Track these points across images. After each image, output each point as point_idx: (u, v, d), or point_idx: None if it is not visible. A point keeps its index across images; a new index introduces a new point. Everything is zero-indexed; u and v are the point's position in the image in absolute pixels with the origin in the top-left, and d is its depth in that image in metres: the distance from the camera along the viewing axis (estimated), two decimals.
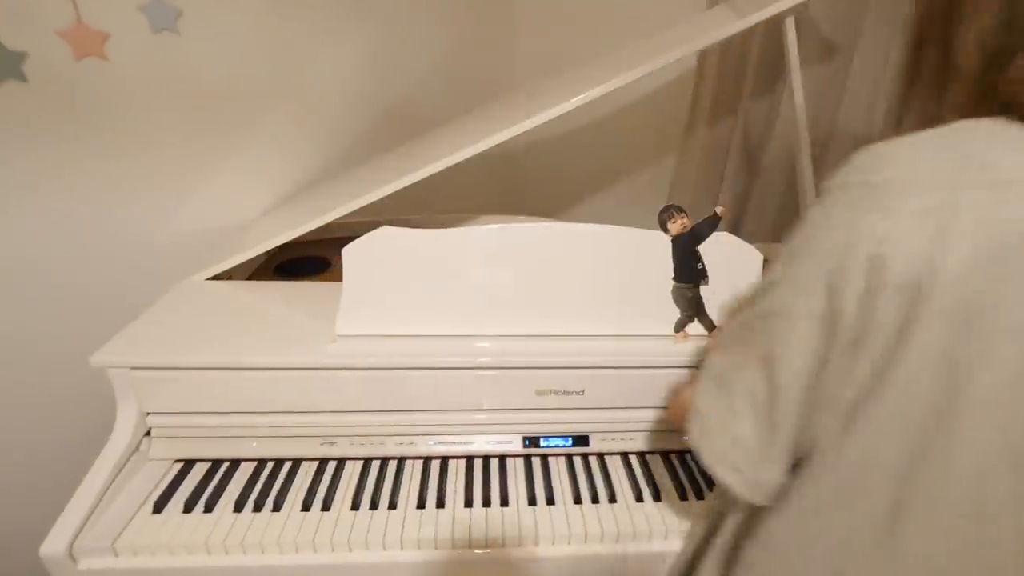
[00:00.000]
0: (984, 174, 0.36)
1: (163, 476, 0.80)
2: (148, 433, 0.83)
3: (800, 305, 0.41)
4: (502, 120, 0.94)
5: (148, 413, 0.82)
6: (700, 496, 0.80)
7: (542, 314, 0.83)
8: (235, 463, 0.83)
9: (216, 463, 0.83)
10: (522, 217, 1.29)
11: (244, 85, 1.16)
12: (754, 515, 0.52)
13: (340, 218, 0.95)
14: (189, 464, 0.83)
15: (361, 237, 0.81)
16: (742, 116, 1.44)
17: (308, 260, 1.23)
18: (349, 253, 0.81)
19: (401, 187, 0.91)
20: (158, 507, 0.75)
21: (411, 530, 0.73)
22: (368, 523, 0.74)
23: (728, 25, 0.90)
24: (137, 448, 0.81)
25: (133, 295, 1.09)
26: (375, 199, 0.93)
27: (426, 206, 1.37)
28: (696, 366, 0.83)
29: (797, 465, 0.47)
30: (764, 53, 1.36)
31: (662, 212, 0.84)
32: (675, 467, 0.85)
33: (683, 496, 0.80)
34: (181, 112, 1.09)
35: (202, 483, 0.80)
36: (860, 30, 1.22)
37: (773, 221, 1.53)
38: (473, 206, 1.48)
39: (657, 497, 0.80)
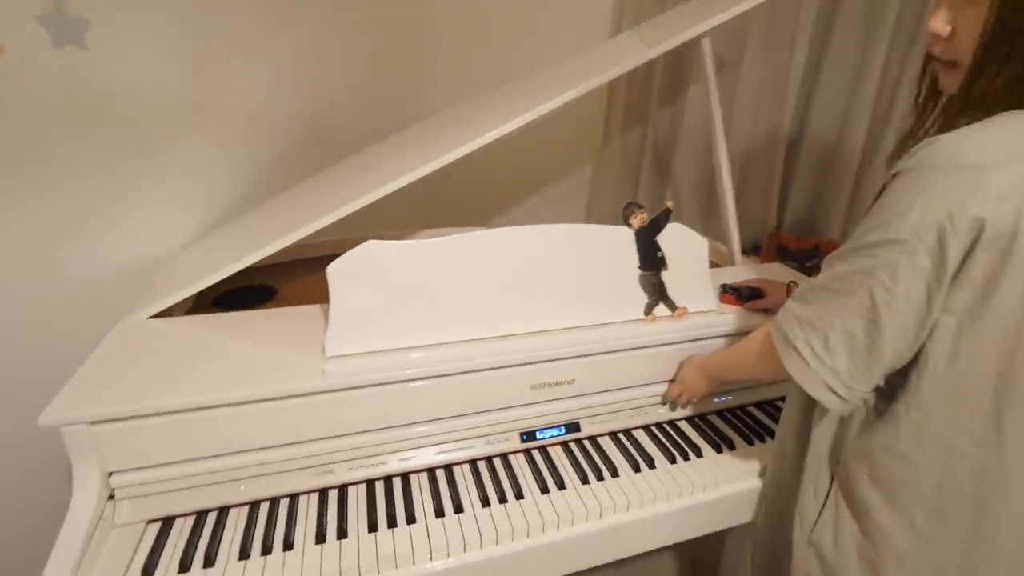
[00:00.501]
0: None
1: (139, 541, 0.71)
2: (111, 496, 0.73)
3: (906, 259, 0.53)
4: (428, 149, 0.97)
5: (111, 473, 0.72)
6: (687, 458, 0.89)
7: (530, 312, 0.87)
8: (223, 510, 0.77)
9: (200, 514, 0.76)
10: (458, 228, 1.33)
11: (159, 105, 1.06)
12: (863, 431, 0.64)
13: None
14: (167, 522, 0.74)
15: (345, 254, 0.80)
16: (651, 126, 1.61)
17: (251, 290, 1.15)
18: (334, 271, 0.79)
19: (342, 215, 0.89)
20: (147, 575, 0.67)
21: (438, 539, 0.73)
22: (392, 541, 0.72)
23: (641, 54, 1.02)
24: (101, 516, 0.71)
25: (54, 343, 0.95)
26: (313, 230, 0.89)
27: (356, 225, 1.35)
28: (663, 344, 0.93)
29: (889, 386, 0.60)
30: (668, 69, 1.54)
31: (625, 208, 0.93)
32: (659, 437, 0.94)
33: (672, 460, 0.89)
34: (89, 135, 0.97)
35: (192, 538, 0.72)
36: (746, 45, 1.43)
37: (681, 217, 1.72)
38: (399, 220, 1.48)
39: (652, 465, 0.88)
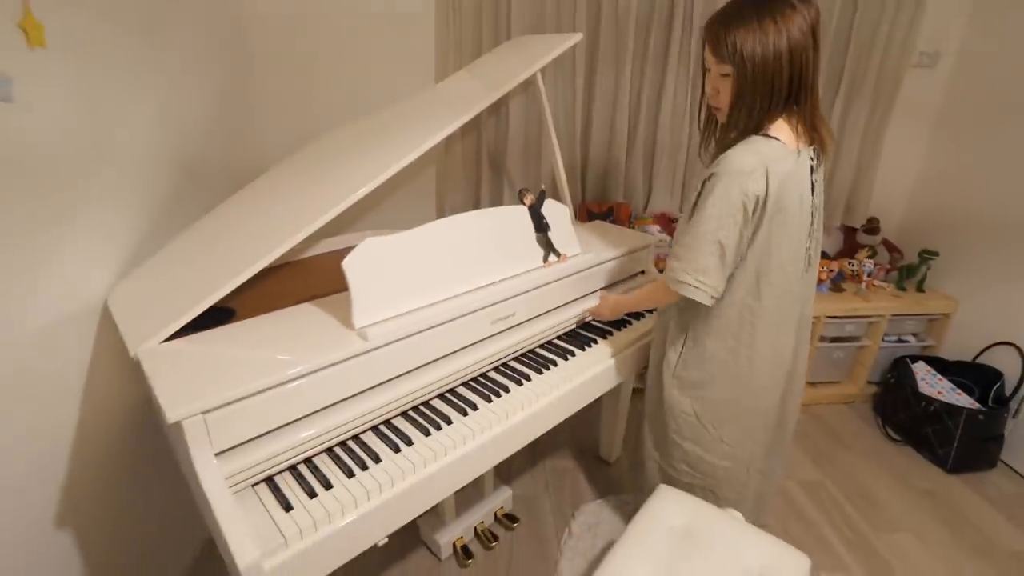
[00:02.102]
0: (772, 157, 1.03)
1: (260, 497, 0.91)
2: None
3: (731, 220, 1.03)
4: (330, 191, 1.20)
5: (218, 453, 0.89)
6: (591, 344, 1.40)
7: (483, 270, 1.26)
8: (308, 460, 0.99)
9: (293, 467, 0.97)
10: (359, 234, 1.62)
11: (64, 154, 1.09)
12: (704, 307, 1.14)
13: None
14: (270, 480, 0.94)
15: (353, 250, 1.07)
16: (485, 133, 2.08)
17: (210, 315, 1.25)
18: (349, 265, 1.06)
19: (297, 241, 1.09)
20: (286, 506, 0.89)
21: (476, 424, 1.09)
22: (446, 436, 1.06)
23: (492, 92, 1.46)
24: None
25: None
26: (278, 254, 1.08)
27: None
28: (559, 279, 1.41)
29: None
30: None
31: (519, 193, 1.37)
32: (573, 337, 1.43)
33: (588, 346, 1.39)
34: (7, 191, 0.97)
35: (299, 482, 0.94)
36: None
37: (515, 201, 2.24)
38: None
39: (572, 354, 1.36)
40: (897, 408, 2.16)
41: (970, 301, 2.22)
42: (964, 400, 2.00)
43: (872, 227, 2.41)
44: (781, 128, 1.06)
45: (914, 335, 2.35)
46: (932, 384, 2.09)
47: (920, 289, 2.33)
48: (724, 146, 1.09)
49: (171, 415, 0.82)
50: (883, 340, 2.28)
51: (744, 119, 1.04)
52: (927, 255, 2.28)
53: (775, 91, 1.01)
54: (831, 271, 2.31)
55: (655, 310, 1.52)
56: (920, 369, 2.14)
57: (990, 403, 1.99)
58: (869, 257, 2.36)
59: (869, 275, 2.31)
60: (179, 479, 1.23)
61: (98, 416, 1.20)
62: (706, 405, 1.25)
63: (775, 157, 1.03)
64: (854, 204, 2.42)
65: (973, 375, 2.10)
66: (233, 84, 1.86)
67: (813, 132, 1.09)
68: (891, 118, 2.31)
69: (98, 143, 1.18)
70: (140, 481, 1.35)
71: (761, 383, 1.22)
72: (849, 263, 2.37)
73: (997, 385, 2.00)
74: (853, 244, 2.48)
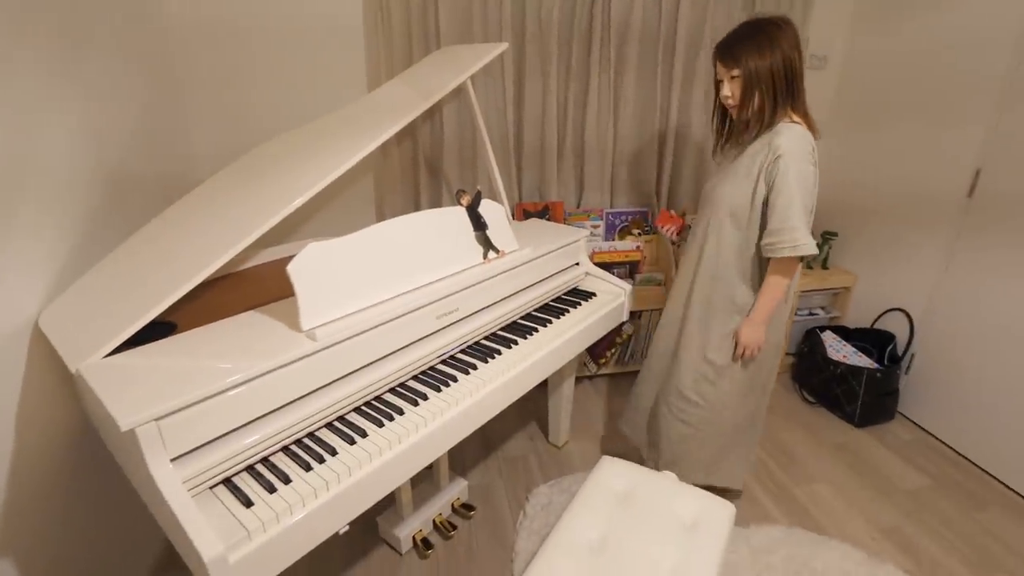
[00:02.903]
0: (808, 135, 1.36)
1: (221, 498, 0.94)
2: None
3: (812, 187, 1.36)
4: (270, 197, 1.24)
5: (174, 459, 0.91)
6: (532, 333, 1.49)
7: (425, 268, 1.32)
8: (265, 460, 1.02)
9: (251, 467, 1.00)
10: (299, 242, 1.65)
11: None
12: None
13: None
14: (228, 482, 0.97)
15: (297, 255, 1.11)
16: (420, 139, 2.13)
17: (150, 328, 1.25)
18: (294, 270, 1.10)
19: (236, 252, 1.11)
20: (247, 503, 0.92)
21: (428, 412, 1.15)
22: (399, 426, 1.12)
23: (424, 100, 1.53)
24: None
25: None
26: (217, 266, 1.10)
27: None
28: (499, 274, 1.49)
29: None
30: None
31: (456, 195, 1.45)
32: (515, 328, 1.51)
33: (530, 334, 1.48)
34: None
35: (257, 480, 0.97)
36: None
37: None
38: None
39: (516, 343, 1.45)
40: (811, 374, 2.40)
41: (867, 274, 2.49)
42: (865, 362, 2.26)
43: None
44: (797, 117, 1.37)
45: (822, 308, 2.61)
46: (838, 350, 2.34)
47: (824, 267, 2.59)
48: (754, 134, 1.39)
49: (123, 423, 0.84)
50: (796, 315, 2.52)
51: (752, 113, 1.37)
52: (828, 236, 2.55)
53: (779, 86, 1.32)
54: None
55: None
56: (828, 338, 2.39)
57: (885, 363, 2.25)
58: None
59: None
60: (127, 494, 1.22)
61: (34, 439, 1.17)
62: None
63: (809, 135, 1.36)
64: None
65: (872, 339, 2.37)
66: (160, 95, 1.83)
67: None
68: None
69: (15, 157, 1.16)
70: (83, 501, 1.32)
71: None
72: None
73: (891, 347, 2.27)
74: None
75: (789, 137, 1.32)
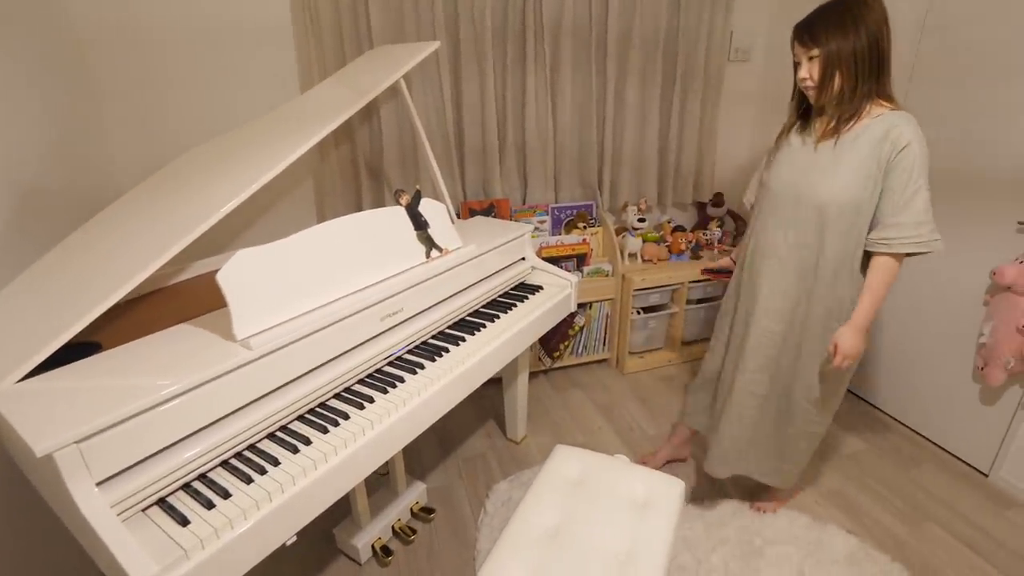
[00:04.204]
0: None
1: (155, 519, 0.89)
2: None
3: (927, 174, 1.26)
4: (199, 203, 1.20)
5: (99, 483, 0.86)
6: (480, 329, 1.49)
7: (364, 271, 1.30)
8: (203, 476, 0.98)
9: (187, 485, 0.96)
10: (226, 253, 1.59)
11: None
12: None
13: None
14: (162, 502, 0.93)
15: (227, 263, 1.07)
16: (359, 141, 2.10)
17: (71, 350, 1.17)
18: (223, 277, 1.06)
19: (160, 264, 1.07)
20: (183, 521, 0.88)
21: (375, 415, 1.13)
22: (343, 431, 1.09)
23: (360, 98, 1.51)
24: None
25: None
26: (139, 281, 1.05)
27: None
28: (443, 272, 1.49)
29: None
30: None
31: (395, 194, 1.43)
32: (463, 325, 1.51)
33: (477, 331, 1.48)
34: None
35: (194, 497, 0.93)
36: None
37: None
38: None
39: (464, 340, 1.44)
40: None
41: None
42: None
43: (718, 201, 2.76)
44: (884, 101, 1.30)
45: None
46: None
47: None
48: (849, 113, 1.30)
49: (39, 449, 0.79)
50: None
51: (833, 95, 1.29)
52: None
53: (861, 68, 1.24)
54: (689, 242, 2.61)
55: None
56: None
57: None
58: (718, 227, 2.70)
59: (719, 241, 2.65)
60: (54, 525, 1.15)
61: None
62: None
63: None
64: (700, 183, 2.76)
65: None
66: (73, 105, 1.73)
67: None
68: (720, 106, 2.67)
69: None
70: (6, 535, 1.23)
71: None
72: (703, 234, 2.70)
73: None
74: (705, 217, 2.82)
75: (911, 126, 1.25)
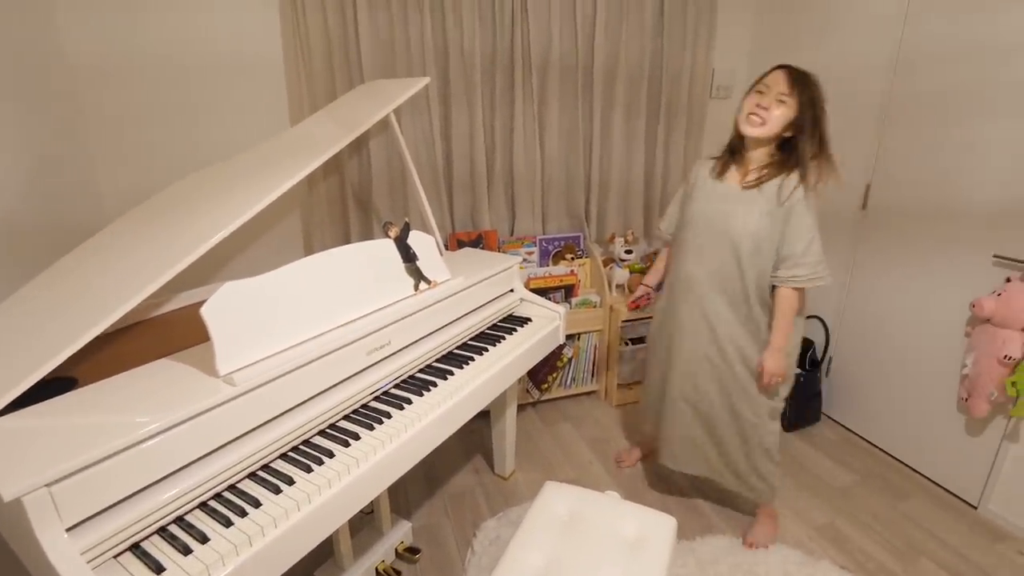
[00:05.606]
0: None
1: (127, 566, 0.85)
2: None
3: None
4: (187, 231, 1.20)
5: (69, 529, 0.82)
6: (468, 362, 1.48)
7: (351, 304, 1.29)
8: (180, 519, 0.94)
9: (163, 529, 0.92)
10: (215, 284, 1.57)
11: None
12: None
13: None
14: (136, 547, 0.88)
15: (211, 296, 1.05)
16: (347, 174, 2.11)
17: (45, 387, 1.13)
18: (208, 311, 1.04)
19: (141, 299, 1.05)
20: (157, 569, 0.84)
21: (360, 452, 1.10)
22: (328, 467, 1.06)
23: (349, 132, 1.53)
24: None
25: None
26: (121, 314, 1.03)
27: None
28: (432, 304, 1.48)
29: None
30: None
31: (383, 227, 1.43)
32: (451, 358, 1.49)
33: (466, 364, 1.47)
34: None
35: (170, 542, 0.89)
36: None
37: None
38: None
39: (452, 373, 1.42)
40: None
41: None
42: None
43: None
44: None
45: None
46: None
47: None
48: (775, 169, 1.47)
49: (7, 493, 0.75)
50: None
51: (794, 143, 1.45)
52: None
53: (808, 134, 1.42)
54: None
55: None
56: None
57: (807, 367, 2.39)
58: None
59: None
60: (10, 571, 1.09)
61: None
62: None
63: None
64: None
65: None
66: (58, 138, 1.72)
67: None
68: (703, 140, 2.74)
69: None
70: None
71: None
72: None
73: (810, 352, 2.41)
74: None
75: (807, 179, 1.43)
